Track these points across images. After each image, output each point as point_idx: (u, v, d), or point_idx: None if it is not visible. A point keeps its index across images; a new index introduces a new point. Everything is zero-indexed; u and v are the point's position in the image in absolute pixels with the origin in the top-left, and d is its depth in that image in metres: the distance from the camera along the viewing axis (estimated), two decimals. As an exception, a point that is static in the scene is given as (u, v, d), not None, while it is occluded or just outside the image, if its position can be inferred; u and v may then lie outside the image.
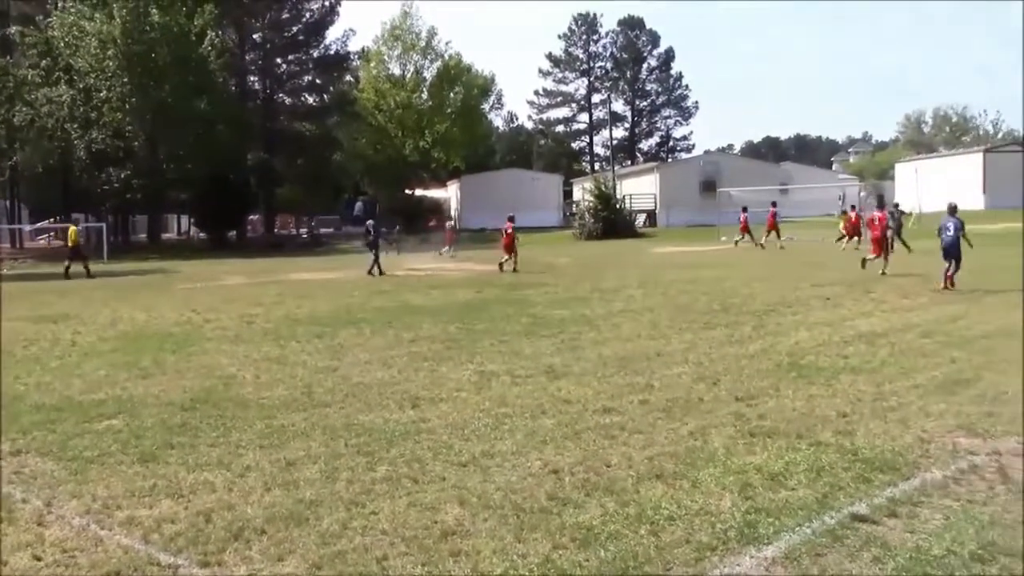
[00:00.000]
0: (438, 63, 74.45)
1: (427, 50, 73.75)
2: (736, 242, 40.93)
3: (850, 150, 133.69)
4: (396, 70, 73.88)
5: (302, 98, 70.51)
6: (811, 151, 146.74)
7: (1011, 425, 7.66)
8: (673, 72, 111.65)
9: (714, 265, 28.64)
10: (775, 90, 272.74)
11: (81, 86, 51.27)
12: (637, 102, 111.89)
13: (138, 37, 50.34)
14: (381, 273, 28.25)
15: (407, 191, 74.79)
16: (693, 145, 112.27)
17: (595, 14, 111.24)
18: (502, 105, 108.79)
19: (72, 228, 35.02)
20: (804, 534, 5.33)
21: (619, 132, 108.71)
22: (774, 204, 39.42)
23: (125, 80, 50.49)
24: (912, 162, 65.73)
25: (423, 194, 77.35)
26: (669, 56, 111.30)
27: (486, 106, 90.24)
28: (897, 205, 19.86)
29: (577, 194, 77.06)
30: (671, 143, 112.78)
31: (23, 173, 57.98)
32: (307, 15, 67.31)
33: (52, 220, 67.04)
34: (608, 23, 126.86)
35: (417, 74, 73.98)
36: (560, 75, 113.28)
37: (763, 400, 8.85)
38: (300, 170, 64.44)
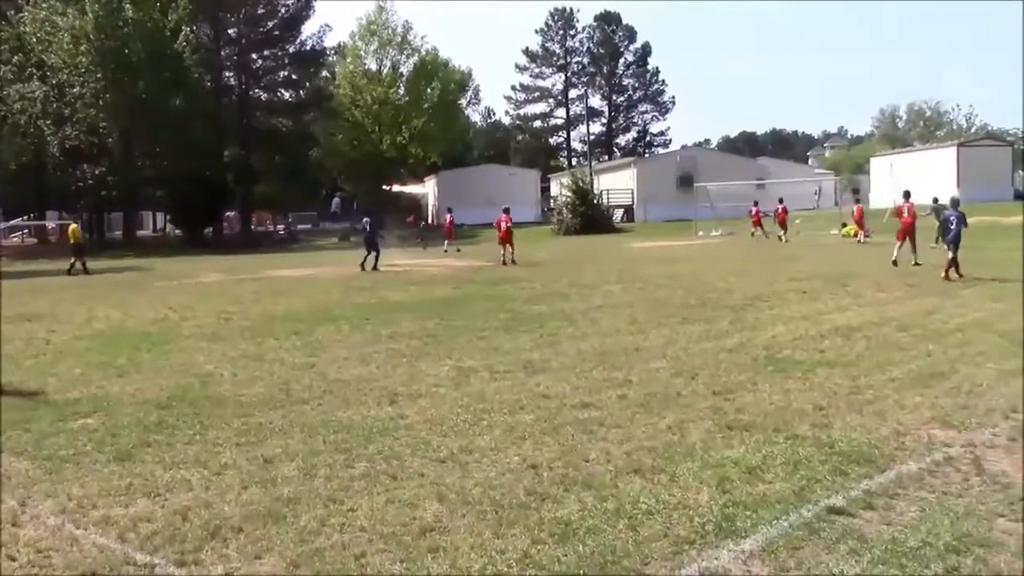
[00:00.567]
0: (415, 58, 74.15)
1: (403, 45, 73.38)
2: (752, 234, 42.51)
3: (826, 145, 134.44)
4: (372, 65, 73.49)
5: (278, 94, 69.97)
6: (787, 146, 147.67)
7: (985, 417, 7.73)
8: (650, 67, 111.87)
9: (692, 260, 28.76)
10: (752, 85, 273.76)
11: (54, 82, 50.81)
12: (614, 97, 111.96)
13: (111, 32, 49.93)
14: (375, 268, 28.13)
15: (384, 187, 74.51)
16: (670, 140, 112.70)
17: (572, 9, 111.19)
18: (479, 100, 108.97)
19: (73, 226, 35.05)
20: (781, 527, 5.36)
21: (596, 127, 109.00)
22: (781, 200, 40.86)
23: (99, 76, 50.08)
24: (887, 156, 66.14)
25: (400, 190, 77.11)
26: (646, 51, 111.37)
27: (463, 101, 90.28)
28: (936, 200, 19.73)
29: (555, 189, 77.06)
30: (648, 138, 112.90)
31: (-5, 171, 57.35)
32: (282, 10, 66.73)
33: (26, 218, 66.43)
34: (585, 18, 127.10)
35: (394, 69, 73.63)
36: (537, 70, 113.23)
37: (740, 394, 8.89)
38: (277, 166, 63.95)
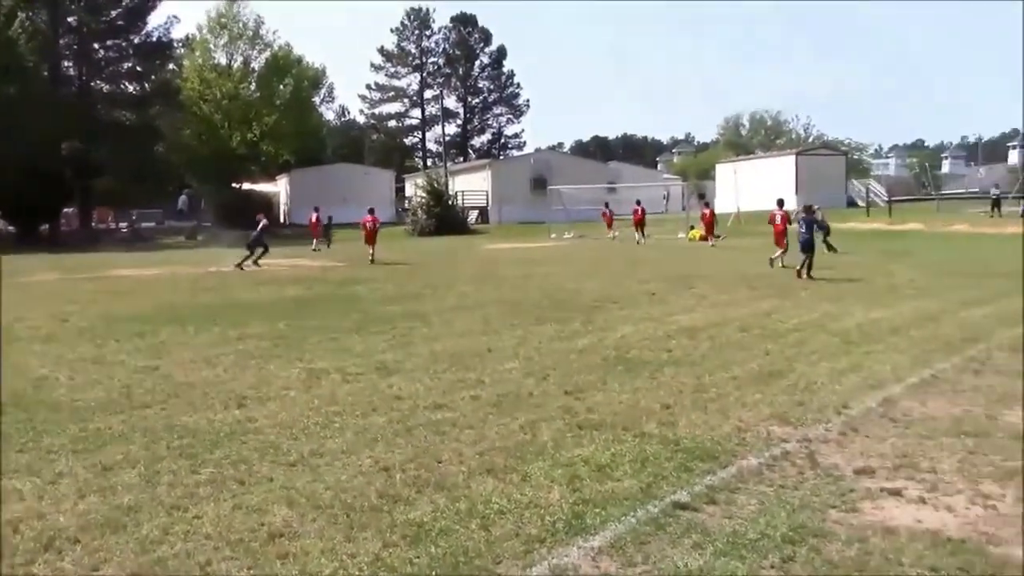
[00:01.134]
0: (267, 53, 72.55)
1: (255, 40, 71.74)
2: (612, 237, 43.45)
3: (674, 151, 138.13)
4: (223, 60, 71.53)
5: (122, 86, 67.09)
6: (638, 151, 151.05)
7: (819, 414, 8.12)
8: (505, 70, 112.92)
9: (545, 261, 29.16)
10: (604, 90, 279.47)
11: None
12: (469, 99, 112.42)
13: (-62, 16, 46.94)
14: (256, 264, 28.49)
15: (234, 185, 72.53)
16: (524, 143, 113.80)
17: (428, 9, 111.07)
18: (333, 98, 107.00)
19: None
20: (629, 523, 5.48)
21: (451, 128, 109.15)
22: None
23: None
24: (731, 163, 68.63)
25: (251, 188, 75.21)
26: (501, 54, 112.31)
27: (317, 99, 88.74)
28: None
29: (409, 190, 76.82)
30: (503, 140, 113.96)
31: None
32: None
33: None
34: (441, 19, 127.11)
35: (245, 64, 71.84)
36: (392, 70, 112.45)
37: (591, 393, 9.05)
38: (120, 161, 61.09)
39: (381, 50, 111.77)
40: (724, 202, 57.91)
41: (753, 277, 21.12)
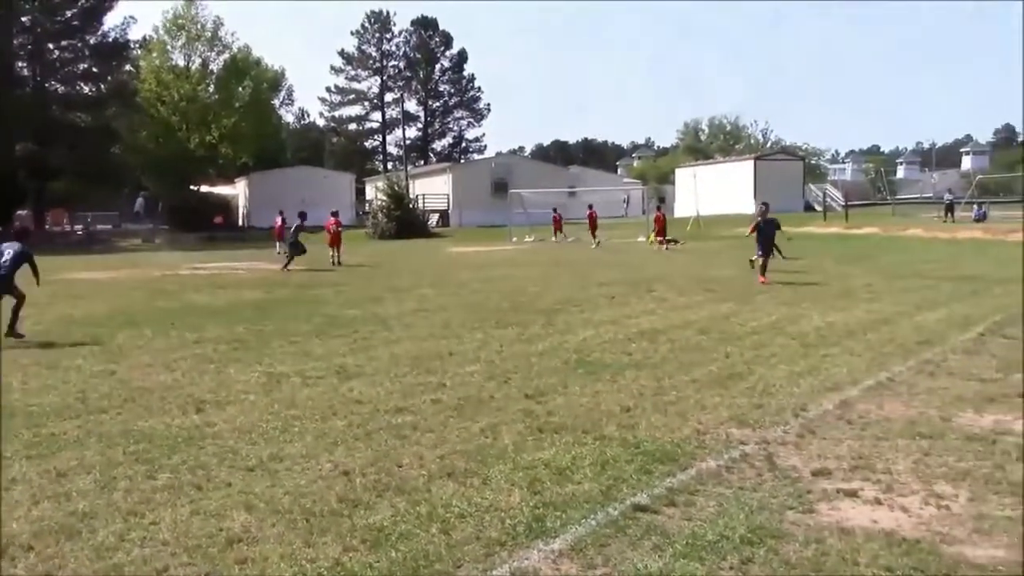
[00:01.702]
0: (225, 55, 71.85)
1: (213, 41, 70.99)
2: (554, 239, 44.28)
3: (634, 155, 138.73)
4: (180, 61, 70.71)
5: (77, 87, 66.08)
6: (598, 155, 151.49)
7: (777, 416, 8.20)
8: (466, 74, 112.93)
9: (505, 265, 29.15)
10: (564, 95, 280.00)
11: None
12: (430, 102, 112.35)
13: None
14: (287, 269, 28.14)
15: (192, 187, 71.73)
16: (485, 147, 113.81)
17: (388, 12, 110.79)
18: (293, 101, 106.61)
19: None
20: (590, 526, 5.50)
21: (412, 132, 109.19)
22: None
23: None
24: (691, 168, 69.08)
25: (209, 190, 74.45)
26: (462, 58, 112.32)
27: (276, 101, 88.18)
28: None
29: (370, 193, 76.52)
30: (464, 144, 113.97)
31: None
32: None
33: None
34: (401, 22, 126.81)
35: (203, 66, 71.05)
36: (353, 72, 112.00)
37: (552, 397, 9.07)
38: (75, 163, 60.25)
39: (341, 53, 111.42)
40: (684, 206, 58.32)
41: (712, 280, 21.27)
